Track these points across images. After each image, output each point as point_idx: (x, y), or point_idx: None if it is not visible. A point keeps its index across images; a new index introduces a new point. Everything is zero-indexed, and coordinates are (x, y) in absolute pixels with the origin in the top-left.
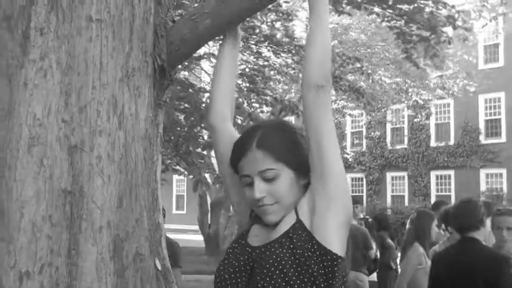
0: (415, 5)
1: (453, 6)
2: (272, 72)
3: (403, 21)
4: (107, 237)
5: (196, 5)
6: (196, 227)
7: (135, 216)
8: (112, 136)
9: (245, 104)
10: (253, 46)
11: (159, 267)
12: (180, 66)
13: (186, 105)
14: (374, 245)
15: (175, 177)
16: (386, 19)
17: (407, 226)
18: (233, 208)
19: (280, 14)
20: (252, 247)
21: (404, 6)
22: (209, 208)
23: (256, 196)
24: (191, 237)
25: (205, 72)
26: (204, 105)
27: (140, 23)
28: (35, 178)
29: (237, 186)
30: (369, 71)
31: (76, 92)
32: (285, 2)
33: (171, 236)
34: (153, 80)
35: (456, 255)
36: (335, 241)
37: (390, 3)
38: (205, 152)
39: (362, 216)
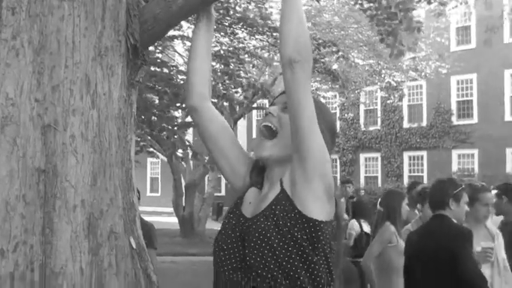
0: None
1: None
2: (246, 55)
3: (375, 4)
4: (81, 215)
5: None
6: (171, 209)
7: (109, 195)
8: (85, 115)
9: (219, 86)
10: (228, 27)
11: (134, 246)
12: (152, 48)
13: (158, 86)
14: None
15: (149, 159)
16: (359, 2)
17: (378, 207)
18: (226, 178)
19: None
20: (245, 218)
21: None
22: (183, 190)
23: (270, 109)
24: (166, 219)
25: (179, 54)
26: (176, 85)
27: (113, 2)
28: (8, 157)
29: (230, 157)
30: (344, 54)
31: (48, 71)
32: None
33: (146, 218)
34: (126, 59)
35: (425, 231)
36: (316, 209)
37: None
38: (183, 133)
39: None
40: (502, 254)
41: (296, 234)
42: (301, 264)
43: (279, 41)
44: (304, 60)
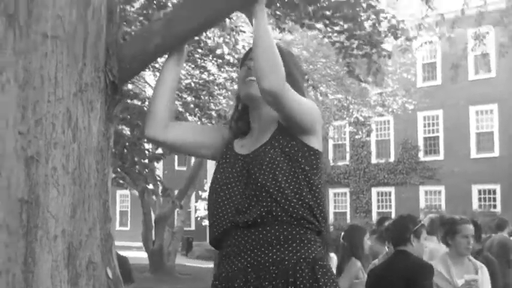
0: (357, 19)
1: (393, 16)
2: (216, 87)
3: (344, 36)
4: (61, 245)
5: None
6: (140, 244)
7: (88, 226)
8: (67, 148)
9: (190, 118)
10: (198, 60)
11: (110, 276)
12: None
13: (130, 118)
14: None
15: (119, 192)
16: (327, 35)
17: (341, 242)
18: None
19: (225, 29)
20: (243, 155)
21: (346, 25)
22: (153, 224)
23: (251, 64)
24: (135, 254)
25: (149, 85)
26: None
27: (93, 40)
28: None
29: (208, 144)
30: (312, 84)
31: (32, 105)
32: (229, 18)
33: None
34: (105, 94)
35: (386, 266)
36: (313, 140)
37: (328, 22)
38: (155, 164)
39: None
40: None
41: (301, 160)
42: (307, 189)
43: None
44: (281, 87)
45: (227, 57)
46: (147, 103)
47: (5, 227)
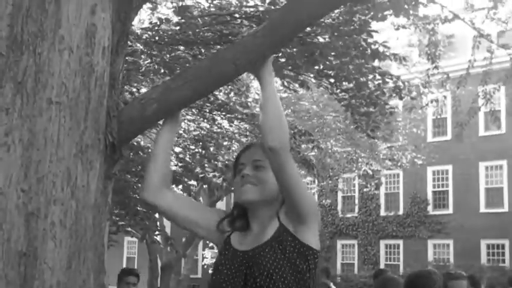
0: (360, 80)
1: (398, 77)
2: (224, 139)
3: (348, 95)
4: None
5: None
6: None
7: (82, 277)
8: (65, 205)
9: (197, 169)
10: (208, 113)
11: None
12: None
13: (135, 169)
14: None
15: (126, 239)
16: (335, 92)
17: None
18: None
19: (234, 86)
20: (243, 251)
21: (349, 85)
22: (159, 271)
23: (244, 172)
24: None
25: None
26: None
27: (95, 105)
28: None
29: (204, 225)
30: (321, 145)
31: (35, 165)
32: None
33: None
34: (104, 154)
35: None
36: (312, 239)
37: (333, 81)
38: (156, 215)
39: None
40: None
41: (298, 262)
42: None
43: (257, 128)
44: (283, 146)
45: (237, 107)
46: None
47: (3, 277)
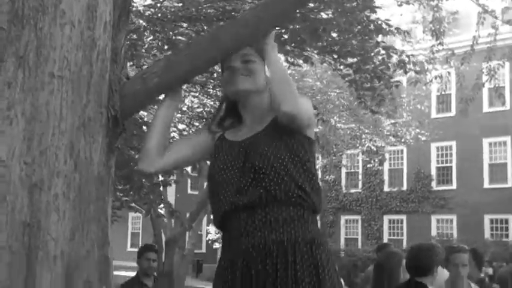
0: (364, 55)
1: (403, 52)
2: None
3: (352, 71)
4: (60, 265)
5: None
6: None
7: (86, 248)
8: (68, 177)
9: None
10: (211, 90)
11: None
12: None
13: (139, 145)
14: None
15: (131, 214)
16: (338, 68)
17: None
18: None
19: None
20: (239, 141)
21: (353, 60)
22: (164, 246)
23: (234, 65)
24: None
25: None
26: None
27: (97, 79)
28: None
29: (205, 146)
30: (324, 118)
31: (37, 138)
32: None
33: (125, 273)
34: (106, 128)
35: None
36: (309, 130)
37: (336, 56)
38: (161, 188)
39: None
40: None
41: (296, 147)
42: (303, 172)
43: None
44: (298, 110)
45: None
46: None
47: (7, 247)
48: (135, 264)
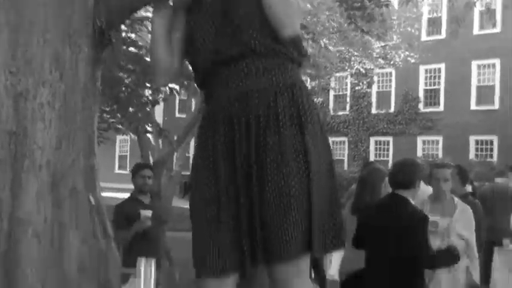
0: None
1: None
2: None
3: None
4: (46, 173)
5: None
6: None
7: (72, 157)
8: (53, 87)
9: None
10: None
11: (93, 202)
12: (125, 28)
13: (128, 65)
14: None
15: (118, 137)
16: None
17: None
18: None
19: None
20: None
21: None
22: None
23: None
24: None
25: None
26: (145, 64)
27: None
28: None
29: None
30: (314, 37)
31: (23, 47)
32: None
33: (113, 195)
34: (92, 39)
35: (381, 208)
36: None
37: None
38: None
39: None
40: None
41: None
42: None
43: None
44: (298, 30)
45: None
46: (144, 51)
47: None
48: (122, 186)
